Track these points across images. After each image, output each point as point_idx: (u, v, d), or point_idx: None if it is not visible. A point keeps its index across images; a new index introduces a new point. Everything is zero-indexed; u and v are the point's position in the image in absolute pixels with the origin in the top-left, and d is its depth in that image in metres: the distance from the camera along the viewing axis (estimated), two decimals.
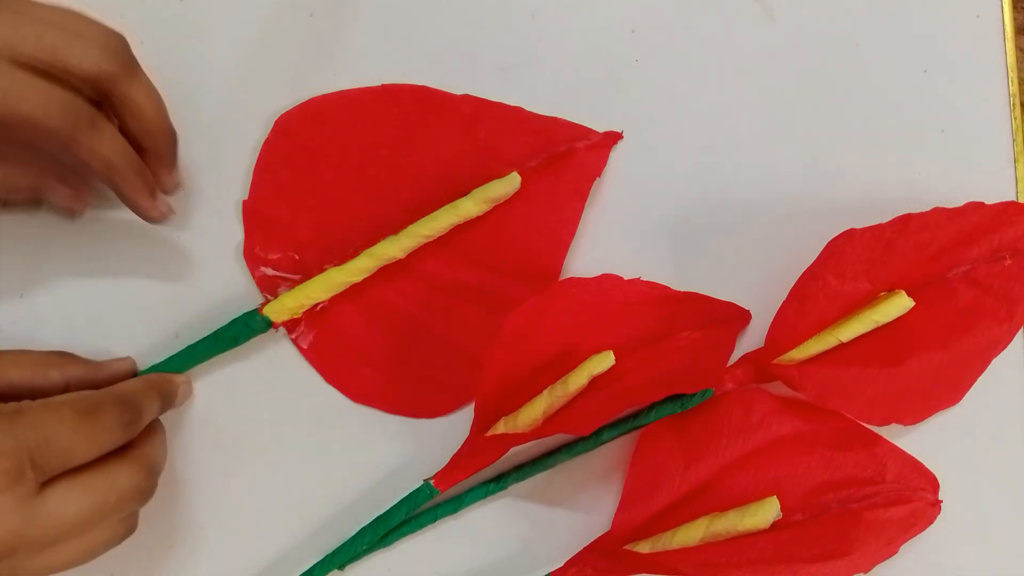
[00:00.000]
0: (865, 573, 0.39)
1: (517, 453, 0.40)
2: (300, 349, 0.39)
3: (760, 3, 0.44)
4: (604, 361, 0.38)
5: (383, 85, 0.40)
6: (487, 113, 0.40)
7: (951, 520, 0.41)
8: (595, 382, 0.38)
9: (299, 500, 0.39)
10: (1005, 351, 0.42)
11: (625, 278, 0.40)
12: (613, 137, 0.41)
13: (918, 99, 0.44)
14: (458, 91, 0.41)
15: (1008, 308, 0.41)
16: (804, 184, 0.43)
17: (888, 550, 0.40)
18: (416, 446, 0.40)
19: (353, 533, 0.38)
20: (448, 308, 0.40)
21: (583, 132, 0.41)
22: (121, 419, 0.31)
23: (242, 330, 0.37)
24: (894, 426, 0.41)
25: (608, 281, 0.40)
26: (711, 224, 0.42)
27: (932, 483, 0.41)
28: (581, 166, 0.41)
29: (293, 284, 0.39)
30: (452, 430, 0.40)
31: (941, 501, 0.41)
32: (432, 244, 0.39)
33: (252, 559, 0.39)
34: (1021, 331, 0.43)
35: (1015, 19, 0.46)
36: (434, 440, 0.40)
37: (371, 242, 0.39)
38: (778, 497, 0.38)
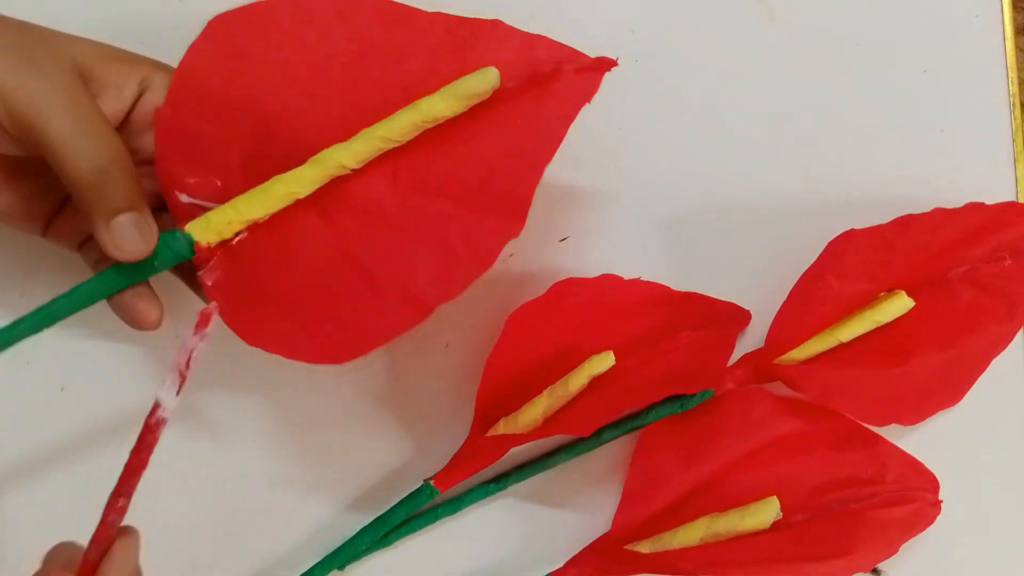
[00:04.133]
0: (865, 573, 0.39)
1: (517, 453, 0.40)
2: (204, 287, 0.32)
3: (760, 3, 0.44)
4: (604, 361, 0.38)
5: None
6: (461, 29, 0.34)
7: (951, 520, 0.41)
8: (595, 382, 0.38)
9: (299, 500, 0.39)
10: (1005, 351, 0.42)
11: (625, 278, 0.40)
12: (606, 63, 0.34)
13: (918, 99, 0.44)
14: None
15: (1008, 308, 0.41)
16: (804, 184, 0.43)
17: (888, 550, 0.40)
18: (416, 446, 0.40)
19: (353, 533, 0.38)
20: (385, 241, 0.33)
21: (571, 54, 0.34)
22: None
23: (161, 250, 0.31)
24: (894, 426, 0.41)
25: (608, 281, 0.40)
26: (711, 224, 0.42)
27: (932, 483, 0.41)
28: (568, 90, 0.34)
29: None
30: (452, 430, 0.40)
31: (941, 501, 0.41)
32: (382, 169, 0.33)
33: (252, 559, 0.39)
34: (1021, 331, 0.43)
35: (1015, 19, 0.46)
36: (434, 440, 0.40)
37: None
38: (778, 497, 0.38)
